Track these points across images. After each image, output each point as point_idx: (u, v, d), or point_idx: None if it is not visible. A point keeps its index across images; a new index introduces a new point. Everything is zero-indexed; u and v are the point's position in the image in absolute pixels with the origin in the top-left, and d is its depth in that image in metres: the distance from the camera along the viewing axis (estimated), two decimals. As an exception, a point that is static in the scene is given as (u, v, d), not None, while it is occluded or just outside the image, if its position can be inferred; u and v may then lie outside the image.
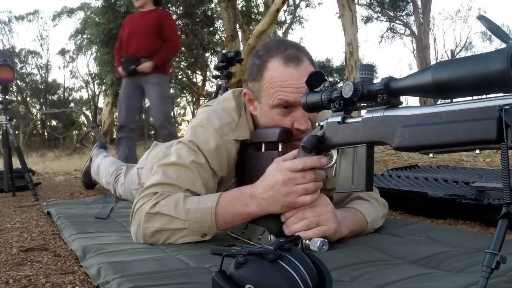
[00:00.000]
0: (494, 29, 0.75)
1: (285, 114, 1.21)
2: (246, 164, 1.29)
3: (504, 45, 0.71)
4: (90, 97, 25.18)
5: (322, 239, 1.09)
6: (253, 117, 1.32)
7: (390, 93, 0.89)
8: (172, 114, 3.66)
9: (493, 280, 0.84)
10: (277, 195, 1.08)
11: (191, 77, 13.58)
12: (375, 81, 0.94)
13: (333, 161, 1.04)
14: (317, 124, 1.09)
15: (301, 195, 1.08)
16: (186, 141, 1.26)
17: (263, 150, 1.25)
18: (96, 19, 12.20)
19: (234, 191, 1.18)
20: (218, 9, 10.50)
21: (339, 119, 1.01)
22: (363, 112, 0.98)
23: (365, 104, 0.97)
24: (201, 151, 1.24)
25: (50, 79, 25.89)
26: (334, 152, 1.04)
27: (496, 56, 0.69)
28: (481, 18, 0.76)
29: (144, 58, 3.46)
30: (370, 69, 0.95)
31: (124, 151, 3.55)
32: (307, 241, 1.10)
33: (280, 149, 1.20)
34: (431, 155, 0.85)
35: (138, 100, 3.66)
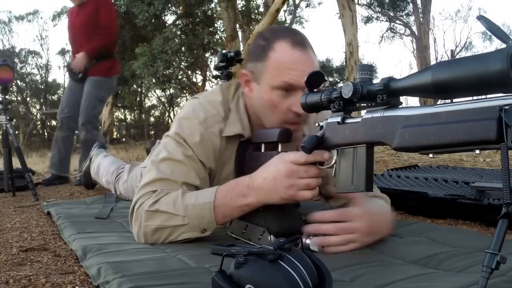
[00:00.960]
0: (494, 29, 0.75)
1: (284, 96, 1.21)
2: (245, 164, 1.29)
3: (504, 46, 0.71)
4: (90, 97, 25.18)
5: (322, 239, 1.09)
6: (247, 105, 1.31)
7: (390, 93, 0.89)
8: (95, 117, 3.33)
9: (493, 280, 0.84)
10: (278, 187, 1.08)
11: (191, 77, 13.58)
12: (374, 81, 0.94)
13: (333, 161, 1.04)
14: (316, 124, 1.09)
15: (302, 189, 1.08)
16: (172, 134, 1.28)
17: (262, 150, 1.25)
18: (96, 19, 12.16)
19: (231, 183, 1.18)
20: (218, 9, 10.49)
21: (338, 119, 1.01)
22: (363, 112, 0.98)
23: (365, 105, 0.97)
24: (187, 143, 1.25)
25: (50, 79, 25.93)
26: (333, 153, 1.04)
27: (496, 56, 0.69)
28: (481, 18, 0.76)
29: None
30: (369, 69, 0.95)
31: (59, 153, 3.35)
32: (307, 241, 1.10)
33: (279, 149, 1.21)
34: (431, 155, 0.85)
35: (81, 96, 3.33)
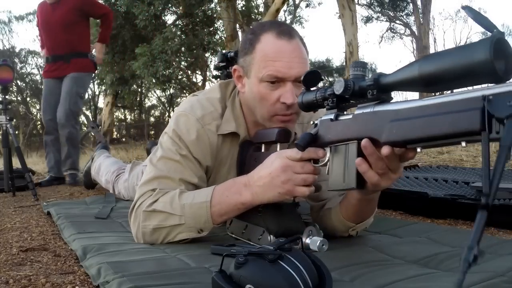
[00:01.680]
0: (479, 19, 0.74)
1: (273, 88, 1.20)
2: (246, 165, 1.29)
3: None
4: (90, 97, 25.18)
5: (322, 239, 1.09)
6: (242, 102, 1.31)
7: (380, 88, 0.89)
8: (77, 113, 3.31)
9: (493, 280, 0.84)
10: (275, 182, 1.08)
11: (191, 77, 13.58)
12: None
13: (326, 159, 1.04)
14: (311, 122, 1.09)
15: (299, 185, 1.07)
16: (170, 132, 1.29)
17: (262, 150, 1.26)
18: (96, 19, 12.17)
19: (228, 182, 1.18)
20: (218, 9, 10.49)
21: (332, 116, 1.01)
22: None
23: (358, 101, 0.97)
24: (183, 141, 1.26)
25: (50, 79, 25.84)
26: (327, 150, 1.04)
27: (480, 46, 0.69)
28: (466, 8, 0.76)
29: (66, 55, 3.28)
30: (362, 66, 0.95)
31: (54, 155, 3.34)
32: (307, 241, 1.10)
33: (278, 149, 1.20)
34: (419, 149, 0.84)
35: (59, 96, 3.30)
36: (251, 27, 1.30)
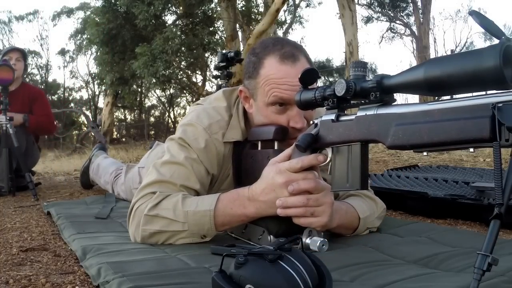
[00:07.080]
0: (487, 25, 0.73)
1: (280, 112, 1.21)
2: (242, 162, 1.29)
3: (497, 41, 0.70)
4: (90, 97, 25.17)
5: (322, 239, 1.09)
6: (248, 115, 1.32)
7: (383, 90, 0.88)
8: None
9: (493, 280, 0.84)
10: (280, 197, 1.07)
11: (191, 77, 13.58)
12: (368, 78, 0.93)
13: (328, 159, 1.03)
14: (311, 122, 1.08)
15: None
16: (176, 138, 1.28)
17: (259, 148, 1.25)
18: (96, 19, 12.20)
19: (232, 193, 1.17)
20: (218, 9, 10.50)
21: (333, 117, 0.99)
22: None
23: (359, 102, 0.96)
24: (191, 148, 1.25)
25: (50, 79, 25.80)
26: (328, 151, 1.03)
27: (489, 53, 0.68)
28: (473, 14, 0.75)
29: None
30: (363, 66, 0.93)
31: None
32: (307, 241, 1.10)
33: (276, 147, 1.20)
34: (425, 153, 0.84)
35: None
36: (253, 48, 1.29)
